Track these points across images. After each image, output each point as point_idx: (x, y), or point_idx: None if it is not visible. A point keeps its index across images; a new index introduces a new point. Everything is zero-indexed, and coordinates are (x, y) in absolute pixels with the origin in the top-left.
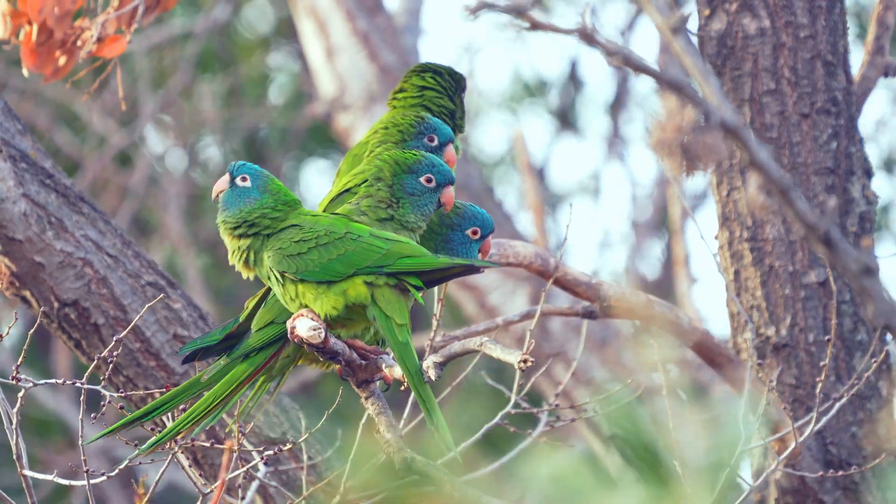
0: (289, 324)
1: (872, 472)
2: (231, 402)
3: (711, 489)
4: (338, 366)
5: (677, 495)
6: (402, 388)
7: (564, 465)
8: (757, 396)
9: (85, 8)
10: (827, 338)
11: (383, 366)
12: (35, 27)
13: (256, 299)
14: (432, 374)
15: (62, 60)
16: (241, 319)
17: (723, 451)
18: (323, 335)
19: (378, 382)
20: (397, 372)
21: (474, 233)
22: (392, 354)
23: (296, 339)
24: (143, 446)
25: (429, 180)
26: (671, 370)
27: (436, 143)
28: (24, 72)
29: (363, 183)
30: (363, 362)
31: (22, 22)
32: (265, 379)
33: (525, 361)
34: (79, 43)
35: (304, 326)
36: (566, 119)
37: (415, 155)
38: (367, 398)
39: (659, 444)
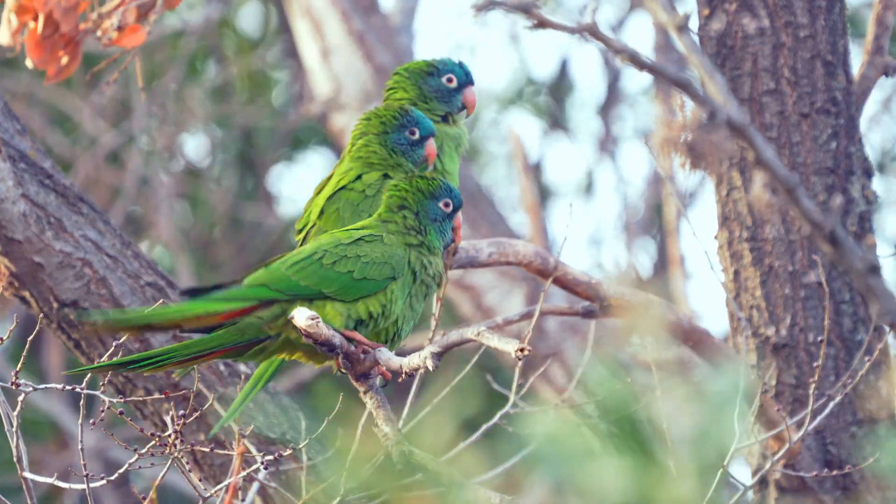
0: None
1: (872, 472)
2: (189, 367)
3: (697, 461)
4: (336, 359)
5: (662, 467)
6: (400, 380)
7: (560, 427)
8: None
9: (89, 10)
10: (820, 339)
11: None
12: (41, 19)
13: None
14: (430, 364)
15: (65, 60)
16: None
17: (708, 421)
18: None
19: (378, 378)
20: (394, 364)
21: (446, 205)
22: (386, 348)
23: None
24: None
25: (447, 205)
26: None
27: (417, 136)
28: (28, 63)
29: (365, 185)
30: (361, 356)
31: (27, 19)
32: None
33: (522, 350)
34: (98, 33)
35: (302, 316)
36: (556, 119)
37: (435, 180)
38: (365, 392)
39: (642, 419)
